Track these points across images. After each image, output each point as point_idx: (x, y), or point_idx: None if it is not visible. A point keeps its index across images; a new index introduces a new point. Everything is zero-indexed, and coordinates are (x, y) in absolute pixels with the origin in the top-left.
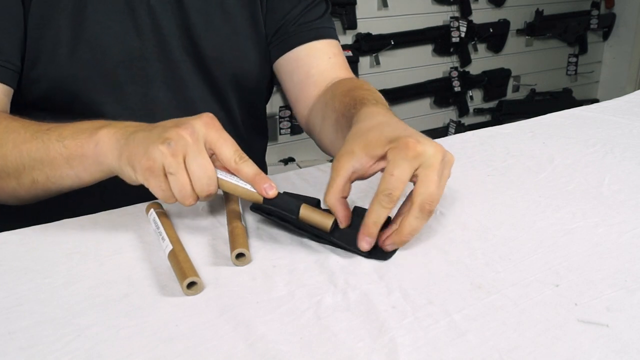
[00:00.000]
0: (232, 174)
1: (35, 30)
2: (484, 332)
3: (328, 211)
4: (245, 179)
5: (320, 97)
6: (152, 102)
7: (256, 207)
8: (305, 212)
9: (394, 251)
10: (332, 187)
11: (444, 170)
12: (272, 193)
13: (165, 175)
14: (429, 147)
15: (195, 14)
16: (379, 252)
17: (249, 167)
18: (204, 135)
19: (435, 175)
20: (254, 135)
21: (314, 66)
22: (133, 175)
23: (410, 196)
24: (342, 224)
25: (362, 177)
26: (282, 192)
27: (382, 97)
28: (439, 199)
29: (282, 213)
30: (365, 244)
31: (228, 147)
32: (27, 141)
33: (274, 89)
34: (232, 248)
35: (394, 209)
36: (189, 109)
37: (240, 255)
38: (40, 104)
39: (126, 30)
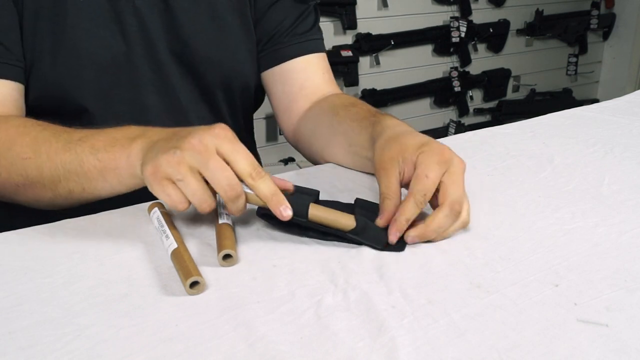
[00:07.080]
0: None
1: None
2: (483, 331)
3: (332, 206)
4: (262, 197)
5: (314, 108)
6: (141, 107)
7: (263, 213)
8: (315, 213)
9: (404, 243)
10: (389, 192)
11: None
12: (286, 215)
13: (172, 183)
14: (455, 156)
15: (182, 14)
16: (393, 246)
17: (267, 185)
18: (216, 146)
19: (462, 181)
20: (244, 138)
21: (309, 79)
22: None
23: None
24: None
25: (403, 183)
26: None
27: None
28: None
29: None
30: (394, 237)
31: (244, 160)
32: (59, 152)
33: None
34: (219, 249)
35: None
36: (178, 113)
37: (227, 257)
38: (29, 110)
39: (112, 35)
